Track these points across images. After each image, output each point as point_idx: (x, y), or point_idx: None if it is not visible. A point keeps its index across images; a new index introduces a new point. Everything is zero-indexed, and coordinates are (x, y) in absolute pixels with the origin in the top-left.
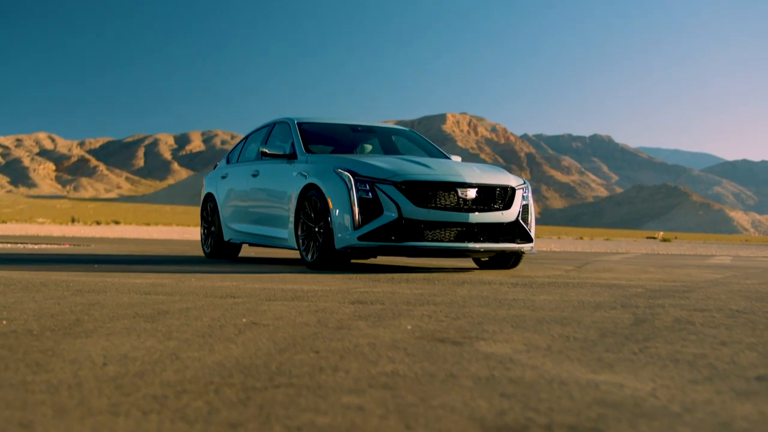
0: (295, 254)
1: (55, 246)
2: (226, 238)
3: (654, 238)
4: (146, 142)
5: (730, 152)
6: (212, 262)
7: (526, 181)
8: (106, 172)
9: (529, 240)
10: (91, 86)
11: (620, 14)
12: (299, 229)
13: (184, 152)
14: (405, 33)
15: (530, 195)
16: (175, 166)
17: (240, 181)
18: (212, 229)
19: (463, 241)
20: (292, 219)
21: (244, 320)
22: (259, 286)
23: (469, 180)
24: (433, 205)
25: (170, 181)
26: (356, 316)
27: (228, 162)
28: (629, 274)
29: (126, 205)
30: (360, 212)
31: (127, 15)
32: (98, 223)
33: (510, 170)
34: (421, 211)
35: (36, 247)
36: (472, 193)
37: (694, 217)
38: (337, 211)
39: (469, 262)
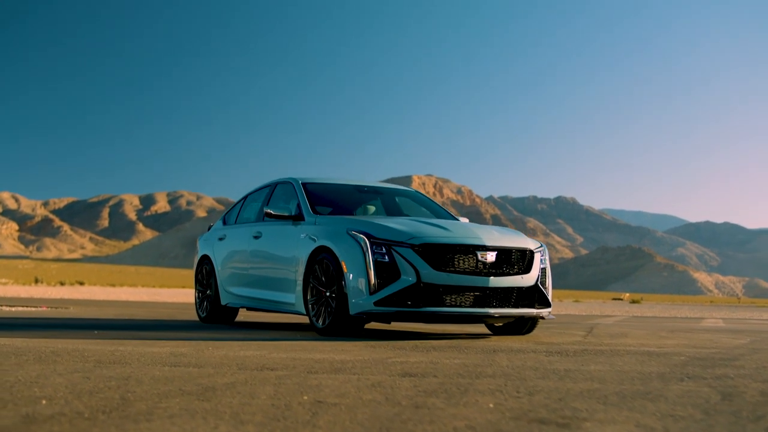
0: (297, 319)
1: (33, 309)
2: (223, 302)
3: (620, 299)
4: (111, 202)
5: (693, 214)
6: (215, 327)
7: (543, 244)
8: (69, 232)
9: (548, 305)
10: (55, 145)
11: (582, 76)
12: (308, 294)
13: (149, 213)
14: (370, 94)
15: (547, 258)
16: (140, 226)
17: (240, 243)
18: (208, 292)
19: (483, 307)
20: (300, 283)
21: (306, 398)
22: (287, 356)
23: (488, 243)
24: (451, 268)
25: (135, 241)
26: (422, 392)
27: (225, 223)
28: (649, 339)
29: (90, 265)
30: (376, 276)
31: (90, 73)
32: (62, 283)
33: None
34: (440, 276)
35: (13, 309)
36: (491, 257)
37: (659, 278)
38: (352, 275)
39: (481, 328)
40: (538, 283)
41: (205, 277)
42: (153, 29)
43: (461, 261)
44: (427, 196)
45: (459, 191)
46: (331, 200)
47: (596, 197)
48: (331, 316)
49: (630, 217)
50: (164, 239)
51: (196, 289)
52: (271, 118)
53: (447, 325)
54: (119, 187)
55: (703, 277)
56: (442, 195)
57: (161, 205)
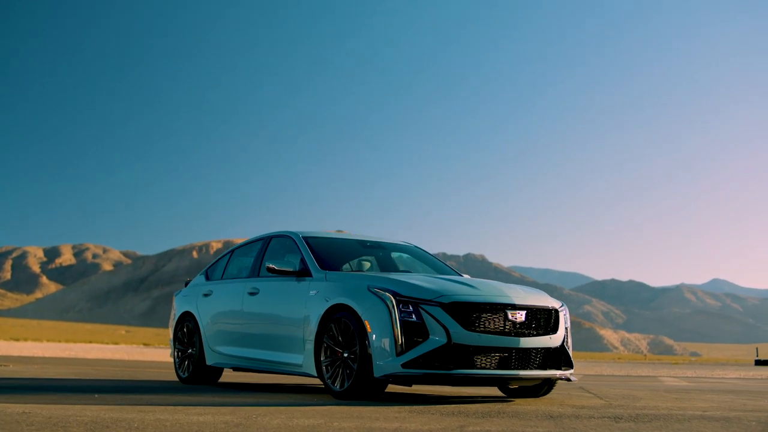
0: (288, 380)
1: None
2: (210, 362)
3: None
4: (14, 254)
5: (598, 272)
6: (211, 389)
7: (563, 303)
8: None
9: (571, 366)
10: None
11: (489, 132)
12: (322, 355)
13: (53, 265)
14: (275, 146)
15: (569, 318)
16: (44, 279)
17: (232, 300)
18: (190, 351)
19: (513, 368)
20: (311, 342)
21: None
22: (353, 425)
23: (517, 302)
24: (482, 328)
25: (38, 294)
26: None
27: (208, 278)
28: (668, 402)
29: None
30: (403, 336)
31: None
32: None
33: None
34: (471, 336)
35: None
36: (521, 316)
37: None
38: (375, 335)
39: (493, 390)
40: (564, 343)
41: (187, 335)
42: (57, 74)
43: (491, 321)
44: (426, 251)
45: None
46: (332, 255)
47: (505, 255)
48: (352, 378)
49: (538, 274)
50: (69, 293)
51: (174, 348)
52: (176, 171)
53: (462, 388)
54: (23, 239)
55: (609, 334)
56: None
57: (66, 258)
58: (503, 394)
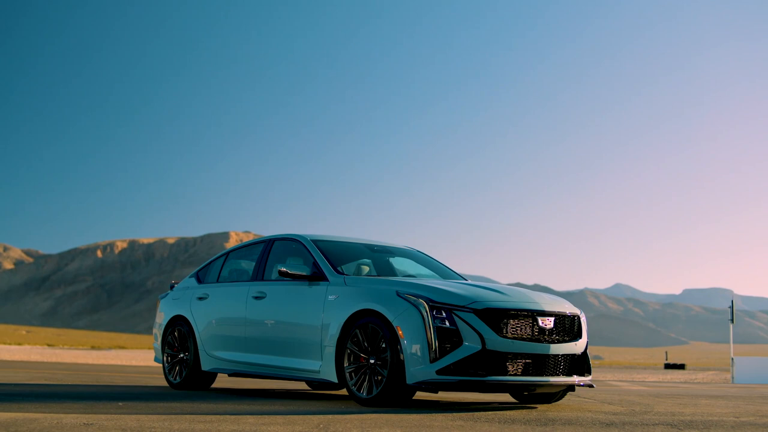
0: (287, 384)
1: None
2: (206, 368)
3: None
4: None
5: (504, 276)
6: (224, 397)
7: (582, 310)
8: None
9: (590, 372)
10: None
11: (393, 134)
12: (346, 361)
13: None
14: (180, 145)
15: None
16: None
17: (234, 304)
18: (181, 356)
19: (543, 375)
20: (332, 348)
21: None
22: None
23: (546, 308)
24: (514, 335)
25: None
26: None
27: (200, 281)
28: (689, 407)
29: None
30: (437, 343)
31: None
32: None
33: None
34: (504, 342)
35: None
36: (550, 323)
37: None
38: (408, 341)
39: (506, 397)
40: (586, 350)
41: (178, 339)
42: None
43: (523, 327)
44: (429, 255)
45: None
46: (341, 259)
47: None
48: (381, 385)
49: None
50: None
51: (164, 353)
52: (80, 169)
53: (474, 394)
54: None
55: None
56: None
57: None
58: (516, 400)
